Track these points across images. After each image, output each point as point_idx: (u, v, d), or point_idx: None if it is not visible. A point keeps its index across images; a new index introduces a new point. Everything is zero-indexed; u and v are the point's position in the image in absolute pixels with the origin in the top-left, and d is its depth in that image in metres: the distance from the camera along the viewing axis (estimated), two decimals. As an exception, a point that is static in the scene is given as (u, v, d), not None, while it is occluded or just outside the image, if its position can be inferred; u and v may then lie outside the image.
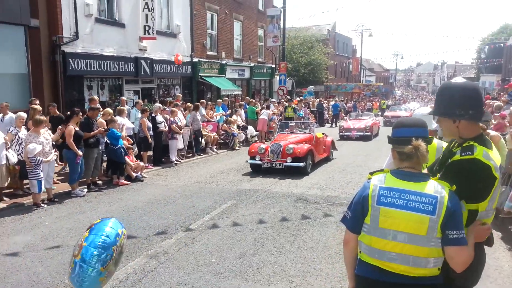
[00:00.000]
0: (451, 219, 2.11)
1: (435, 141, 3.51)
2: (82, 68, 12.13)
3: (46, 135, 7.88)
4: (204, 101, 15.31)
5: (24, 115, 8.30)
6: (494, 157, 2.31)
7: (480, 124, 2.53)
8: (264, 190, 8.70)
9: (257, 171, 10.77)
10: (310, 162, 10.60)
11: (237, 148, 14.84)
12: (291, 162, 10.12)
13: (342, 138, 18.61)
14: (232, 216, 6.97)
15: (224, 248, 5.54)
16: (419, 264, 2.14)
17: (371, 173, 2.33)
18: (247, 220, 6.75)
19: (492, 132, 6.68)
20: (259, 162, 10.48)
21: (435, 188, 2.15)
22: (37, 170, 7.32)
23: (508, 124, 7.95)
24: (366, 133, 18.48)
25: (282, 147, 10.38)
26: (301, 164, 10.09)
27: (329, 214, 7.04)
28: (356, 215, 2.26)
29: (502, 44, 37.78)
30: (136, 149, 10.98)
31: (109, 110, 9.95)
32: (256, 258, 5.21)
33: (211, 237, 5.96)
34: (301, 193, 8.45)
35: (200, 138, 13.32)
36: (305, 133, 12.00)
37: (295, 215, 6.99)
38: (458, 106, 2.35)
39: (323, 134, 12.54)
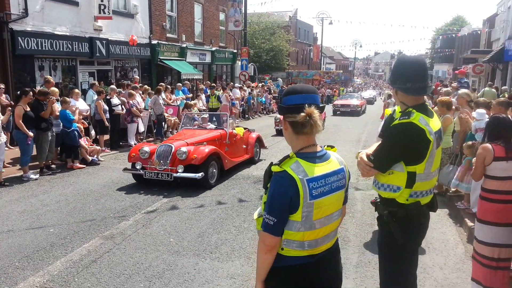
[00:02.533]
0: (349, 180, 2.18)
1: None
2: (33, 48, 11.51)
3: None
4: (163, 84, 14.99)
5: None
6: (432, 124, 2.50)
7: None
8: (224, 173, 8.69)
9: (143, 182, 7.77)
10: (215, 170, 7.73)
11: (197, 132, 14.69)
12: (183, 171, 7.21)
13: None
14: (192, 197, 6.94)
15: (183, 229, 5.52)
16: (335, 234, 2.18)
17: (278, 164, 1.98)
18: (206, 201, 6.74)
19: (447, 115, 7.00)
20: (140, 171, 7.44)
21: (338, 160, 2.13)
22: None
23: (455, 107, 8.32)
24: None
25: (172, 150, 7.46)
26: (198, 175, 7.12)
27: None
28: (283, 218, 1.96)
29: (454, 35, 39.31)
30: (93, 132, 10.61)
31: (55, 89, 9.50)
32: (215, 237, 5.23)
33: (169, 218, 5.91)
34: (261, 175, 8.52)
35: (163, 123, 13.07)
36: (217, 128, 9.03)
37: (255, 196, 7.06)
38: (399, 78, 2.58)
39: (246, 129, 9.92)
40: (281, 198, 1.94)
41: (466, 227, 5.51)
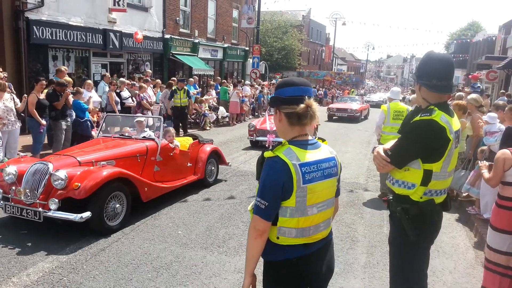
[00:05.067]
0: (341, 172, 2.25)
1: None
2: (47, 37, 11.59)
3: (8, 102, 7.51)
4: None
5: None
6: (453, 123, 2.47)
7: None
8: (233, 169, 8.68)
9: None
10: (122, 206, 5.13)
11: (207, 128, 14.72)
12: (57, 209, 4.64)
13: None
14: (201, 191, 6.94)
15: (191, 222, 5.52)
16: (328, 224, 2.19)
17: (271, 150, 2.03)
18: (215, 196, 6.74)
19: (462, 119, 6.94)
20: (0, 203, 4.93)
21: (329, 150, 2.18)
22: None
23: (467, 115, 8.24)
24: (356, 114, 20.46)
25: (48, 173, 4.84)
26: (80, 215, 4.57)
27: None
28: (275, 203, 1.98)
29: (468, 40, 38.93)
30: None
31: (69, 78, 9.54)
32: (223, 231, 5.22)
33: (178, 211, 5.92)
34: (269, 172, 8.49)
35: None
36: (145, 139, 6.35)
37: (263, 193, 7.02)
38: (425, 74, 2.52)
39: (196, 140, 7.34)
40: (274, 182, 1.96)
41: (477, 232, 5.45)
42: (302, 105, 2.01)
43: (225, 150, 10.79)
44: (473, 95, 7.59)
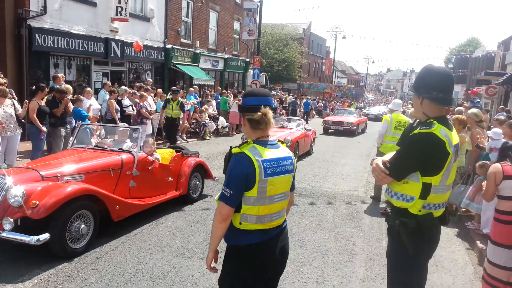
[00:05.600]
0: (295, 170, 2.62)
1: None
2: (49, 45, 11.64)
3: (8, 108, 7.49)
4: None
5: None
6: (452, 137, 2.48)
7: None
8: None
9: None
10: (88, 227, 4.64)
11: (207, 138, 14.72)
12: (11, 229, 4.16)
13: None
14: (199, 200, 6.90)
15: (189, 231, 5.48)
16: (283, 213, 2.54)
17: (238, 147, 2.38)
18: (213, 205, 6.69)
19: (462, 134, 6.95)
20: None
21: (287, 150, 2.54)
22: None
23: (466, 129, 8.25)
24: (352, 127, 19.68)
25: (2, 191, 4.33)
26: (37, 238, 4.05)
27: (294, 204, 7.09)
28: (239, 192, 2.31)
29: (468, 56, 39.23)
30: (103, 131, 10.64)
31: (69, 86, 9.55)
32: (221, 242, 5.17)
33: (176, 220, 5.88)
34: (268, 183, 8.46)
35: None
36: (121, 151, 5.77)
37: (261, 203, 6.99)
38: (426, 86, 2.53)
39: (179, 152, 6.87)
40: (239, 174, 2.29)
41: (476, 248, 5.41)
42: (258, 113, 2.39)
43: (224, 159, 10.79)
44: (474, 110, 7.61)
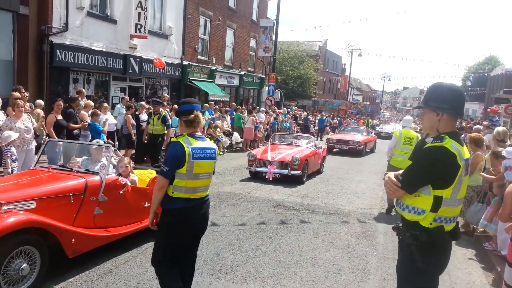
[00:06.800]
0: (217, 159, 3.56)
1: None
2: (70, 60, 11.96)
3: (27, 122, 7.67)
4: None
5: None
6: (463, 151, 2.55)
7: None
8: (244, 194, 8.64)
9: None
10: (33, 266, 3.94)
11: (221, 153, 14.76)
12: None
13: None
14: (210, 216, 6.84)
15: (200, 246, 5.39)
16: (206, 188, 3.47)
17: (175, 137, 3.33)
18: (225, 221, 6.67)
19: (478, 152, 6.82)
20: None
21: (212, 144, 3.49)
22: (6, 159, 6.77)
23: (486, 146, 8.09)
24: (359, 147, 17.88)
25: None
26: None
27: (307, 221, 7.01)
28: (173, 169, 3.21)
29: (486, 74, 38.73)
30: (117, 145, 10.80)
31: (91, 102, 9.78)
32: (231, 258, 5.14)
33: (187, 235, 5.86)
34: (281, 200, 8.42)
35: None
36: (88, 173, 4.97)
37: (274, 220, 6.95)
38: (444, 101, 2.62)
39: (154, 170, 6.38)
40: (174, 155, 3.23)
41: (494, 269, 5.24)
42: (192, 115, 3.36)
43: (237, 175, 10.79)
44: (499, 128, 7.45)
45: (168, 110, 13.28)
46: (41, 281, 3.99)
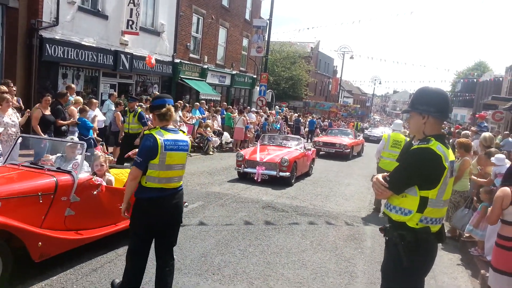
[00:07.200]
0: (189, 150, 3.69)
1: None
2: (59, 55, 11.79)
3: (13, 117, 7.54)
4: (181, 102, 15.15)
5: None
6: (448, 153, 2.63)
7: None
8: (233, 195, 8.61)
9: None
10: None
11: (210, 153, 14.71)
12: None
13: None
14: (198, 216, 6.84)
15: (187, 246, 5.41)
16: (180, 179, 3.59)
17: (148, 130, 3.50)
18: (213, 221, 6.64)
19: (466, 157, 6.88)
20: None
21: (184, 136, 3.63)
22: None
23: (473, 151, 8.16)
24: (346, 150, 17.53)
25: None
26: None
27: (296, 223, 7.01)
28: (146, 160, 3.35)
29: (475, 80, 39.23)
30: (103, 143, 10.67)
31: (80, 98, 9.66)
32: (218, 258, 5.11)
33: (174, 235, 5.81)
34: (270, 201, 8.41)
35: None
36: (60, 171, 4.65)
37: (262, 221, 6.93)
38: (430, 105, 2.71)
39: None
40: (147, 147, 3.35)
41: (479, 275, 5.29)
42: (164, 109, 3.50)
43: (226, 175, 10.75)
44: (486, 134, 7.51)
45: (145, 107, 13.16)
46: (5, 286, 3.73)
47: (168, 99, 3.60)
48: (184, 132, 3.64)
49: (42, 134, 7.81)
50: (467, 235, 6.49)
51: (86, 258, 4.67)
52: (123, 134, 10.00)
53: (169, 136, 3.43)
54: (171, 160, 3.40)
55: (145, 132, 3.49)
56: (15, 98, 10.14)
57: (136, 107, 9.84)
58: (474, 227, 5.87)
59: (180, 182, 3.61)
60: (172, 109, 3.55)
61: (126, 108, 10.23)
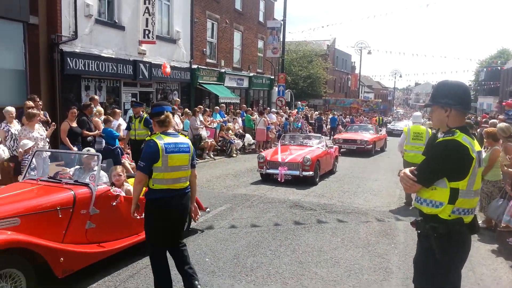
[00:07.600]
0: (193, 154, 3.92)
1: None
2: (80, 68, 12.04)
3: (41, 131, 7.73)
4: (201, 107, 15.24)
5: (11, 109, 7.83)
6: (474, 144, 2.63)
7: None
8: (260, 196, 8.58)
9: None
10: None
11: (234, 155, 14.74)
12: None
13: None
14: (227, 218, 6.84)
15: (218, 249, 5.41)
16: (186, 179, 3.82)
17: (150, 136, 3.73)
18: (242, 223, 6.62)
19: (496, 147, 6.64)
20: None
21: (185, 139, 3.85)
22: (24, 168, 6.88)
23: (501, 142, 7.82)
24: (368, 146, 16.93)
25: None
26: None
27: (325, 221, 6.93)
28: (149, 164, 3.59)
29: (499, 68, 38.09)
30: (129, 151, 10.80)
31: (101, 109, 9.81)
32: (251, 259, 5.09)
33: (205, 238, 5.82)
34: (297, 200, 8.34)
35: (197, 144, 13.21)
36: (78, 184, 4.59)
37: (291, 220, 6.88)
38: (451, 98, 2.71)
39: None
40: (149, 152, 3.60)
41: (520, 265, 5.10)
42: (162, 116, 3.75)
43: (251, 176, 10.74)
44: (501, 125, 7.10)
45: (179, 114, 13.30)
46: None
47: (166, 106, 3.85)
48: (185, 135, 3.93)
49: (71, 146, 7.97)
50: (504, 225, 6.28)
51: (122, 265, 4.71)
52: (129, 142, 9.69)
53: (169, 139, 3.67)
54: (172, 162, 3.63)
55: (146, 138, 3.71)
56: (41, 112, 10.43)
57: (141, 112, 9.56)
58: (511, 216, 5.68)
59: (187, 183, 3.82)
60: (170, 115, 3.82)
61: (130, 116, 9.95)
